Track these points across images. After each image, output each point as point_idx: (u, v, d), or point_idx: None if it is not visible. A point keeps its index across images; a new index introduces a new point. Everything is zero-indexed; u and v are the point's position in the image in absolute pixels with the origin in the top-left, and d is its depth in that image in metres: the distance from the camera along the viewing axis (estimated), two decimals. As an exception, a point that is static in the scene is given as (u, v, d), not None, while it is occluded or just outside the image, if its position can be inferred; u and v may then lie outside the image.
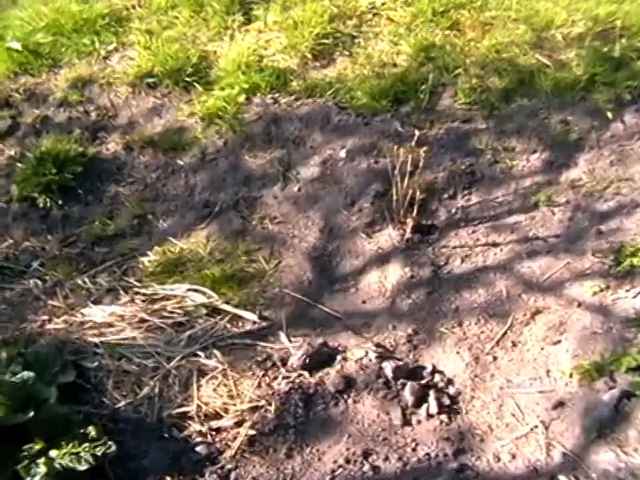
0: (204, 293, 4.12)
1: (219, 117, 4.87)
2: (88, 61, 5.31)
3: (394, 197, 4.20)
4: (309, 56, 5.08)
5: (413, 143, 4.23)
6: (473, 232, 4.27)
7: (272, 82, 4.97)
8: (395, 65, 4.97)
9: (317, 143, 4.70)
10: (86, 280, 4.27)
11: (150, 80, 5.12)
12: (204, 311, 4.04)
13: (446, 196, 4.41)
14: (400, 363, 3.72)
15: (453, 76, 4.84)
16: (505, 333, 3.86)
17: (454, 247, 4.22)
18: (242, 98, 4.93)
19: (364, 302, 4.06)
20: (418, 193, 4.19)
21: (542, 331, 3.81)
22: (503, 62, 4.83)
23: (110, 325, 4.00)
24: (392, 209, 4.25)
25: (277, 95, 4.95)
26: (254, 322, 4.00)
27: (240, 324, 4.01)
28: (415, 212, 4.16)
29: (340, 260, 4.24)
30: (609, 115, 4.54)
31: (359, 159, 4.57)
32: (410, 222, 4.27)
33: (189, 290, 4.14)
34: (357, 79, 4.92)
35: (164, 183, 4.74)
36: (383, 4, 5.31)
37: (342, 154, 4.61)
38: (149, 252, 4.41)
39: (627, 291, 3.83)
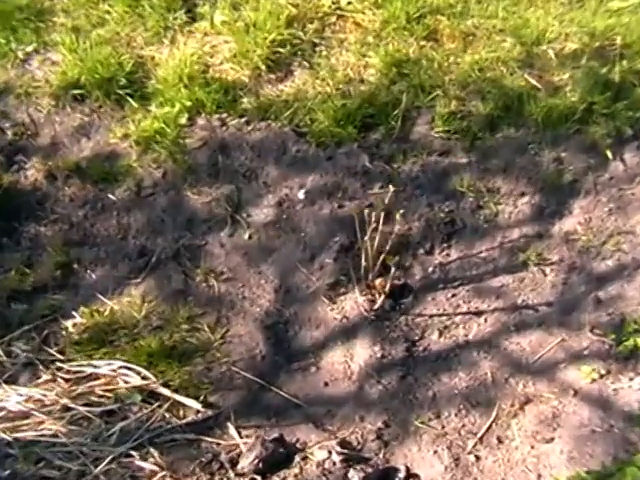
0: (139, 373, 3.45)
1: (157, 142, 4.10)
2: (2, 65, 4.43)
3: (362, 252, 3.52)
4: (263, 67, 4.31)
5: (381, 186, 3.57)
6: (453, 296, 3.65)
7: (219, 99, 4.20)
8: (362, 81, 4.24)
9: (271, 179, 3.99)
10: (-1, 350, 3.57)
11: (76, 92, 4.31)
12: (139, 397, 3.38)
13: (422, 251, 3.77)
14: (369, 470, 3.14)
15: (430, 98, 4.12)
16: (490, 427, 3.30)
17: (431, 316, 3.60)
18: (184, 119, 4.16)
19: (327, 385, 3.44)
20: (389, 247, 3.52)
21: (532, 425, 3.27)
22: (487, 82, 4.15)
23: (26, 416, 3.31)
24: (359, 267, 3.59)
25: (225, 116, 4.19)
26: (198, 411, 3.35)
27: (181, 413, 3.38)
28: (386, 272, 3.51)
29: (299, 330, 3.60)
30: (608, 153, 3.90)
31: (320, 202, 3.88)
32: (380, 284, 3.62)
33: (121, 368, 3.45)
34: (318, 98, 4.18)
35: (93, 222, 3.99)
36: (349, 3, 4.51)
37: (300, 195, 3.90)
38: (75, 312, 3.69)
39: (630, 379, 3.30)
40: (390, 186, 3.54)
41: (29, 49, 4.47)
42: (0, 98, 4.37)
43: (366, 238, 3.43)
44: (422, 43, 4.33)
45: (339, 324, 3.58)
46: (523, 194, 3.90)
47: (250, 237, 3.86)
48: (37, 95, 4.35)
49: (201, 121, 4.18)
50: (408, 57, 4.27)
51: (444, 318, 3.60)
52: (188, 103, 4.19)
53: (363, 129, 4.12)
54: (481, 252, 3.75)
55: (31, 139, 4.28)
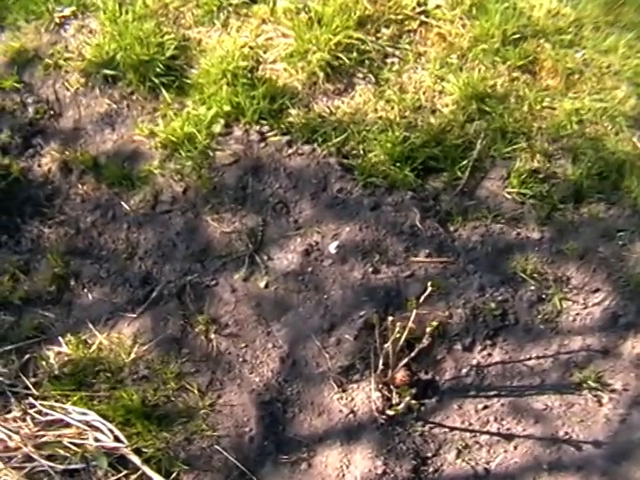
0: (112, 431, 3.01)
1: (184, 149, 3.50)
2: (36, 27, 3.88)
3: (388, 336, 2.92)
4: (320, 74, 3.61)
5: (428, 254, 2.94)
6: (484, 408, 3.02)
7: (263, 107, 3.54)
8: (434, 112, 3.49)
9: (303, 219, 3.37)
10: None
11: (109, 72, 3.72)
12: (105, 463, 2.97)
13: (459, 345, 3.12)
14: None
15: (510, 148, 3.35)
16: None
17: (453, 429, 2.99)
18: (219, 127, 3.54)
19: (315, 489, 2.92)
20: (422, 333, 2.90)
21: None
22: (584, 140, 3.35)
23: (-17, 461, 2.95)
24: (380, 353, 2.99)
25: (266, 130, 3.54)
26: (165, 492, 2.91)
27: (148, 490, 2.93)
28: (408, 362, 2.93)
29: (297, 414, 3.07)
30: None
31: (353, 262, 3.25)
32: (401, 380, 3.02)
33: (95, 421, 3.02)
34: (378, 124, 3.47)
35: (101, 231, 3.50)
36: (437, 7, 3.69)
37: (332, 248, 3.28)
38: (61, 339, 3.26)
39: None
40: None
41: (67, 12, 3.89)
42: (28, 67, 3.82)
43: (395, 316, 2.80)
44: (515, 74, 3.51)
45: (344, 419, 3.02)
46: (597, 291, 3.15)
47: (267, 286, 3.29)
48: (67, 69, 3.79)
49: (238, 131, 3.55)
50: (494, 90, 3.48)
51: (468, 435, 2.99)
52: (227, 107, 3.55)
53: (422, 174, 3.40)
54: (530, 359, 3.08)
55: (53, 120, 3.76)
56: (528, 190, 3.32)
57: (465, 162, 3.37)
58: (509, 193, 3.35)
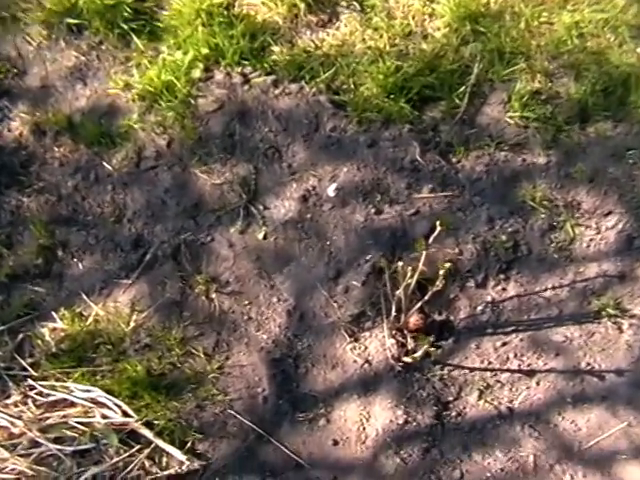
0: (119, 407, 2.84)
1: (163, 99, 3.23)
2: (-12, -25, 3.52)
3: (397, 282, 2.74)
4: (302, 5, 3.32)
5: (432, 189, 2.75)
6: (503, 345, 2.87)
7: (244, 47, 3.27)
8: (426, 37, 3.24)
9: (297, 163, 3.14)
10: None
11: (73, 21, 3.41)
12: (116, 440, 2.81)
13: (472, 282, 2.94)
14: None
15: (509, 70, 3.11)
16: (525, 524, 2.62)
17: (472, 369, 2.85)
18: (198, 72, 3.26)
19: (336, 444, 2.79)
20: (435, 273, 2.73)
21: (577, 528, 2.58)
22: (586, 55, 3.11)
23: (-12, 449, 2.78)
24: (391, 299, 2.81)
25: (249, 71, 3.27)
26: (182, 462, 2.77)
27: (164, 461, 2.79)
28: (422, 305, 2.75)
29: (310, 368, 2.90)
30: None
31: (354, 204, 3.04)
32: (414, 323, 2.85)
33: (100, 397, 2.85)
34: (367, 55, 3.22)
35: (84, 195, 3.25)
36: None
37: (330, 191, 3.06)
38: (54, 314, 3.05)
39: None
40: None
41: (19, -43, 3.51)
42: (-17, 22, 3.47)
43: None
44: (508, -10, 3.21)
45: (359, 370, 2.86)
46: (610, 214, 2.97)
47: (265, 237, 3.07)
48: (27, 21, 3.46)
49: (219, 75, 3.27)
50: (488, 9, 3.22)
51: (488, 374, 2.84)
52: (204, 50, 3.27)
53: (419, 104, 3.16)
54: (546, 290, 2.91)
55: (18, 79, 3.45)
56: (531, 113, 3.09)
57: (462, 88, 3.13)
58: (511, 118, 3.12)
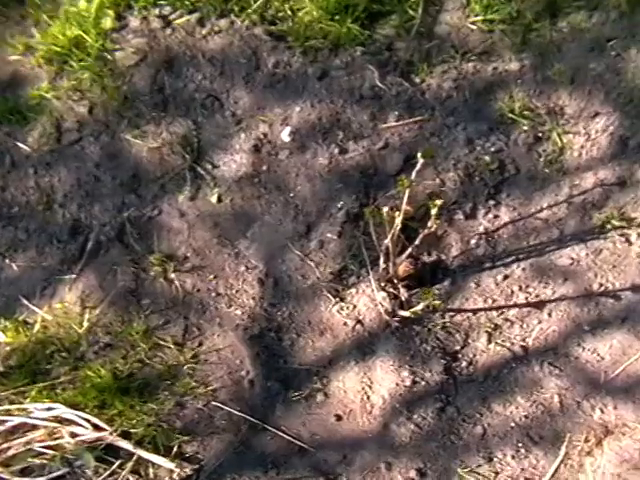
0: (88, 420, 2.44)
1: (74, 58, 2.73)
2: None
3: (372, 223, 2.37)
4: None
5: (399, 116, 2.36)
6: (504, 279, 2.54)
7: (157, -16, 2.74)
8: (364, -57, 2.75)
9: (242, 109, 2.71)
10: None
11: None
12: (91, 459, 2.42)
13: (461, 215, 2.58)
14: None
15: (463, -34, 2.68)
16: (557, 470, 2.36)
17: (475, 311, 2.51)
18: (109, 21, 2.76)
19: (339, 419, 2.45)
20: (418, 209, 2.38)
21: (613, 466, 2.33)
22: None
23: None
24: (372, 244, 2.44)
25: (168, 12, 2.79)
26: (171, 471, 2.40)
27: (151, 474, 2.43)
28: (410, 249, 2.38)
29: (296, 339, 2.54)
30: None
31: (314, 146, 2.63)
32: (404, 270, 2.50)
33: (65, 415, 2.45)
34: (301, -27, 2.72)
35: (3, 185, 2.76)
36: None
37: (285, 136, 2.64)
38: (-5, 326, 2.60)
39: None
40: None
41: None
42: None
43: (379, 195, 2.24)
44: None
45: (351, 332, 2.51)
46: (597, 115, 2.62)
47: (220, 199, 2.66)
48: None
49: (135, 22, 2.79)
50: None
51: (494, 313, 2.52)
52: (112, -9, 2.74)
53: (368, 21, 2.72)
54: (541, 211, 2.58)
55: None
56: (494, 15, 2.69)
57: (415, -4, 2.67)
58: (473, 23, 2.72)
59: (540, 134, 2.62)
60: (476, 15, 2.71)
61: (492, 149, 2.60)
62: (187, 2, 2.78)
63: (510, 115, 2.62)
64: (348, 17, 2.70)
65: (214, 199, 2.66)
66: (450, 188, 2.57)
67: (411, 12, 2.71)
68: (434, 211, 2.15)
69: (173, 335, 2.56)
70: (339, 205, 2.57)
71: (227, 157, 2.68)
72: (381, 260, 2.38)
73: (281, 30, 2.73)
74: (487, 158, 2.58)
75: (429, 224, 2.22)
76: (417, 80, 2.69)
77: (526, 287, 2.53)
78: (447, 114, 2.64)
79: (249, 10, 2.74)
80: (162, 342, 2.54)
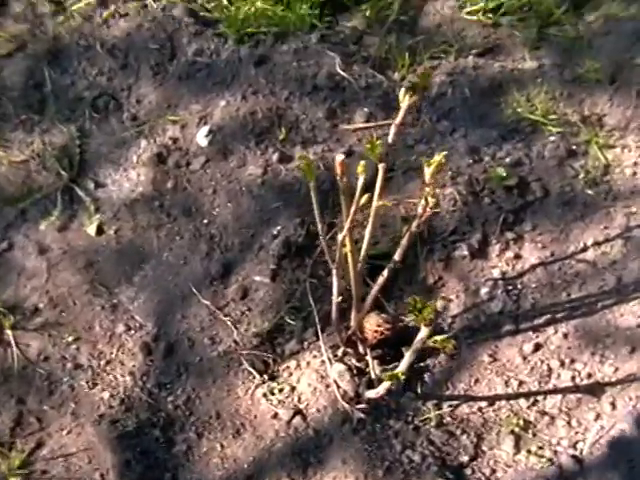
0: None
1: None
2: None
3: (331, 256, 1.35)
4: None
5: (369, 115, 1.50)
6: (536, 349, 1.59)
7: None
8: None
9: (147, 108, 1.86)
10: None
11: None
12: None
13: (464, 250, 1.61)
14: None
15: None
16: None
17: (492, 399, 1.44)
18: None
19: None
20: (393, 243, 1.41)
21: None
22: None
23: None
24: (324, 291, 1.43)
25: (60, -6, 1.98)
26: None
27: None
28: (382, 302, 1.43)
29: (194, 440, 1.50)
30: None
31: (242, 151, 1.73)
32: (374, 330, 1.47)
33: None
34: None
35: None
36: None
37: (201, 138, 1.78)
38: None
39: None
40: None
41: None
42: None
43: (340, 230, 1.27)
44: None
45: (285, 431, 1.46)
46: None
47: (101, 230, 1.72)
48: None
49: (17, 7, 1.98)
50: None
51: (522, 404, 1.49)
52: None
53: (329, 11, 1.93)
54: (586, 249, 1.62)
55: None
56: (497, 1, 1.89)
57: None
58: (470, 14, 1.91)
59: (574, 146, 1.74)
60: (473, 4, 1.92)
61: (507, 160, 1.70)
62: (90, -16, 2.00)
63: (531, 118, 1.74)
64: (302, 3, 1.91)
65: (92, 229, 1.72)
66: (447, 210, 1.62)
67: (386, 0, 1.93)
68: (404, 239, 1.20)
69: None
70: (275, 231, 1.62)
71: (118, 173, 1.78)
72: (333, 310, 1.38)
73: (210, 16, 1.93)
74: (501, 171, 1.67)
75: (395, 256, 1.26)
76: (395, 76, 1.84)
77: (571, 362, 1.52)
78: (439, 116, 1.78)
79: (171, -5, 1.96)
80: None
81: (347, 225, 1.21)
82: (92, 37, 1.97)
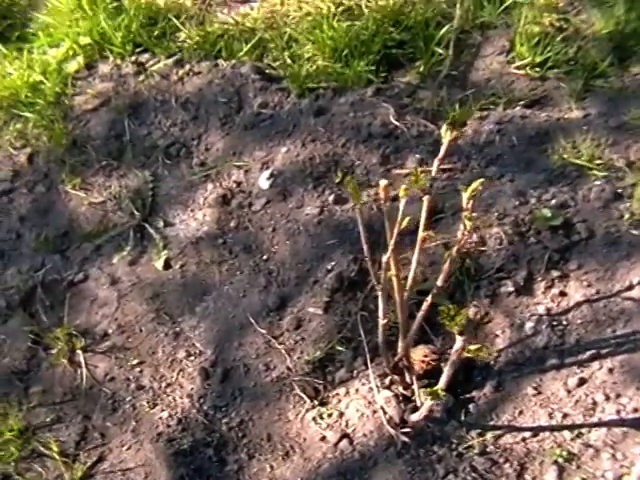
0: None
1: (26, 103, 2.06)
2: None
3: (381, 294, 1.39)
4: (215, -21, 2.25)
5: (421, 160, 1.50)
6: (581, 383, 1.56)
7: (137, 32, 2.17)
8: (384, -11, 2.14)
9: (213, 156, 1.96)
10: None
11: None
12: None
13: (510, 286, 1.62)
14: None
15: (504, 5, 2.01)
16: None
17: (536, 430, 1.42)
18: (74, 64, 2.18)
19: None
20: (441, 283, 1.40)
21: None
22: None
23: None
24: (373, 324, 1.45)
25: (146, 58, 2.19)
26: None
27: None
28: (433, 333, 1.42)
29: (245, 461, 1.54)
30: None
31: (301, 193, 1.81)
32: (421, 360, 1.48)
33: None
34: (306, 22, 2.10)
35: None
36: None
37: (263, 181, 1.85)
38: None
39: None
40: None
41: None
42: None
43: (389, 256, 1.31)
44: None
45: (332, 453, 1.46)
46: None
47: (168, 265, 1.79)
48: None
49: (105, 68, 2.16)
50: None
51: (566, 435, 1.45)
52: (85, 39, 2.17)
53: (384, 68, 2.02)
54: (631, 287, 1.61)
55: None
56: (544, 53, 1.95)
57: (443, 33, 2.00)
58: (519, 68, 1.98)
59: (620, 189, 1.74)
60: (522, 59, 1.99)
61: (553, 202, 1.73)
62: (169, 51, 2.17)
63: (576, 163, 1.77)
64: (360, 60, 2.02)
65: (160, 264, 1.81)
66: (493, 249, 1.65)
67: (440, 51, 2.01)
68: (446, 263, 1.24)
69: (63, 440, 1.57)
70: (329, 267, 1.67)
71: (186, 213, 1.88)
72: (380, 334, 1.41)
73: (275, 74, 2.06)
74: (546, 212, 1.69)
75: (437, 282, 1.30)
76: (454, 129, 1.89)
77: (617, 397, 1.49)
78: (487, 162, 1.82)
79: (239, 54, 2.10)
80: (44, 449, 1.56)
81: (391, 247, 1.25)
82: (168, 93, 2.11)
